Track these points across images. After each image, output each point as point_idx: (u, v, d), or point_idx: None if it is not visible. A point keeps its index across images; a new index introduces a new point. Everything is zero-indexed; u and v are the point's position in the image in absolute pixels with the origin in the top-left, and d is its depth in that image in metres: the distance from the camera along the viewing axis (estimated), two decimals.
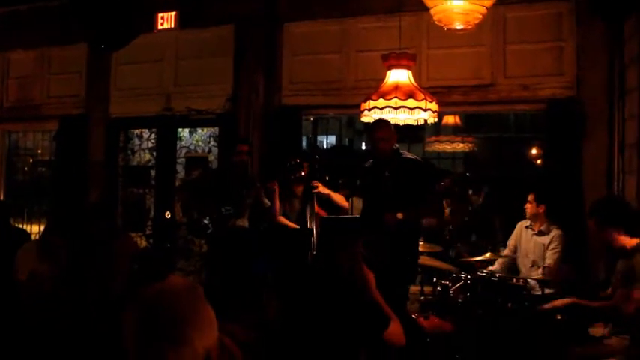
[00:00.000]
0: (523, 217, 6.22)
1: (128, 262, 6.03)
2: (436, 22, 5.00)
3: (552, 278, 5.61)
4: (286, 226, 6.35)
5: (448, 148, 10.30)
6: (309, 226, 6.04)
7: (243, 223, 6.43)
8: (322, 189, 6.24)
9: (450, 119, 10.03)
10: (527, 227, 6.10)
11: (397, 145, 5.65)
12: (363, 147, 17.32)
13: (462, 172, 14.02)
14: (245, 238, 6.39)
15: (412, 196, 5.33)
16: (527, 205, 6.04)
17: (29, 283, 5.47)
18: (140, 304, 1.73)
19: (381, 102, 5.54)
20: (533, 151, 12.06)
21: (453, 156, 11.03)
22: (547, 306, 4.73)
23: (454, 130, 10.58)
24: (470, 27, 4.83)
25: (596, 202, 4.62)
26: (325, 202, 6.32)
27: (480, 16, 4.76)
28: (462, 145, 10.32)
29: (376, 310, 3.20)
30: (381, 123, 5.56)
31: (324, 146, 13.56)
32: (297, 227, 6.29)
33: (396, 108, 5.48)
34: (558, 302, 4.66)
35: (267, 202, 6.45)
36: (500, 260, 6.15)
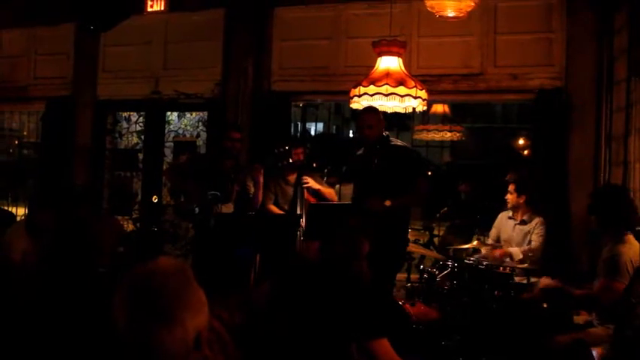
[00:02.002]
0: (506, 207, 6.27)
1: (113, 244, 6.05)
2: (428, 9, 5.01)
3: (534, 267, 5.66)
4: (272, 212, 6.35)
5: (436, 136, 10.34)
6: (298, 211, 6.04)
7: (229, 208, 6.41)
8: (312, 183, 6.24)
9: (438, 108, 10.06)
10: (509, 218, 6.13)
11: (387, 133, 5.67)
12: (351, 134, 17.35)
13: (447, 162, 14.10)
14: (229, 223, 6.36)
15: (400, 183, 5.36)
16: (508, 196, 6.08)
17: (22, 263, 5.46)
18: (131, 284, 1.74)
19: (372, 88, 5.53)
20: (520, 142, 12.11)
21: (441, 144, 11.08)
22: (533, 281, 4.75)
23: (442, 119, 10.62)
24: (462, 15, 4.84)
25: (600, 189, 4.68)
26: (314, 192, 6.32)
27: (473, 5, 4.78)
28: (449, 134, 10.35)
29: (374, 311, 2.90)
30: (368, 110, 5.58)
31: (312, 133, 13.57)
32: (282, 213, 6.30)
33: (386, 95, 5.47)
34: (544, 281, 4.70)
35: (252, 189, 6.43)
36: (487, 248, 6.18)
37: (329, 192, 6.44)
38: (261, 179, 6.38)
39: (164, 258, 1.81)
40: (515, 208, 6.08)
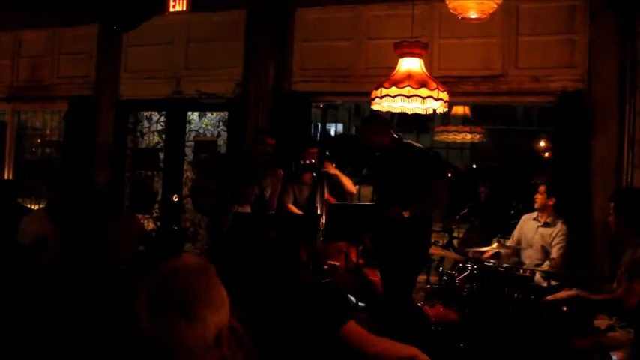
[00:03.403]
0: (526, 209, 6.23)
1: (133, 243, 6.12)
2: (451, 11, 4.99)
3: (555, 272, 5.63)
4: (292, 213, 6.35)
5: (457, 138, 10.29)
6: (318, 212, 6.04)
7: (245, 209, 6.43)
8: (331, 169, 6.24)
9: (459, 109, 10.01)
10: (534, 219, 6.10)
11: (398, 135, 5.73)
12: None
13: (467, 164, 14.03)
14: (248, 223, 6.37)
15: (417, 186, 5.37)
16: (538, 196, 6.05)
17: (34, 247, 5.55)
18: (154, 280, 1.75)
19: (394, 90, 5.52)
20: (541, 144, 12.03)
21: (461, 146, 11.03)
22: (550, 298, 4.75)
23: (462, 121, 10.57)
24: (484, 17, 4.82)
25: (622, 190, 4.65)
26: (333, 184, 6.31)
27: (495, 6, 4.75)
28: (470, 135, 10.30)
29: (325, 303, 2.69)
30: (365, 122, 5.72)
31: (332, 134, 13.56)
32: (301, 213, 6.30)
33: (408, 96, 5.46)
34: (562, 294, 4.69)
35: (268, 192, 6.44)
36: (503, 252, 6.14)
37: (347, 180, 6.42)
38: (279, 186, 6.40)
39: (187, 255, 1.83)
40: (542, 210, 6.05)
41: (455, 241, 8.16)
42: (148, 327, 1.71)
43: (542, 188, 6.05)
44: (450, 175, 8.79)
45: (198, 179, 7.36)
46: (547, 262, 5.84)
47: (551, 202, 5.98)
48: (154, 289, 1.73)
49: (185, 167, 8.72)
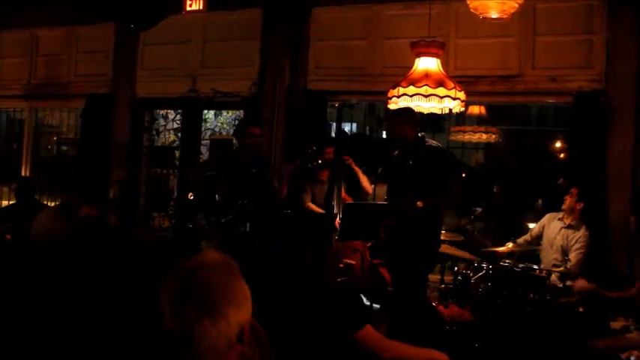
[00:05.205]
0: (544, 209, 6.19)
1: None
2: (472, 11, 4.98)
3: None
4: (312, 211, 6.36)
5: (473, 138, 10.25)
6: (335, 210, 6.05)
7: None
8: (352, 163, 6.25)
9: (475, 109, 9.98)
10: (559, 219, 6.03)
11: (422, 133, 5.69)
12: (384, 135, 17.30)
13: (481, 164, 13.99)
14: (262, 220, 6.38)
15: (434, 184, 5.36)
16: (567, 197, 5.96)
17: (43, 242, 5.57)
18: (178, 277, 1.77)
19: (411, 89, 5.53)
20: (557, 145, 11.96)
21: (477, 146, 11.00)
22: (569, 284, 4.71)
23: (478, 121, 10.54)
24: (506, 16, 4.81)
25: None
26: (350, 182, 6.32)
27: (517, 6, 4.75)
28: (485, 135, 10.26)
29: (343, 307, 2.67)
30: (396, 113, 5.67)
31: (347, 133, 13.55)
32: (323, 212, 6.30)
33: (426, 96, 5.47)
34: (580, 284, 4.66)
35: (276, 183, 6.45)
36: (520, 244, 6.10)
37: (365, 179, 6.43)
38: (286, 180, 6.41)
39: (211, 252, 1.83)
40: (569, 212, 5.98)
41: (469, 241, 8.15)
42: (171, 324, 1.73)
43: (574, 190, 5.95)
44: (464, 174, 8.74)
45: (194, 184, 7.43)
46: (563, 267, 5.80)
47: (579, 207, 5.90)
48: (178, 286, 1.75)
49: None
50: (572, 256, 5.77)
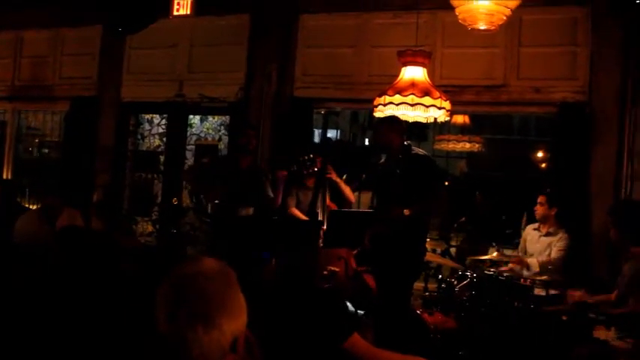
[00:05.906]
0: (531, 219, 6.25)
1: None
2: (460, 22, 5.02)
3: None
4: (297, 218, 6.37)
5: (456, 147, 10.33)
6: (319, 217, 6.05)
7: (247, 211, 6.44)
8: (334, 175, 6.28)
9: (459, 118, 10.06)
10: (534, 229, 6.12)
11: (409, 142, 5.72)
12: (367, 142, 17.37)
13: (465, 172, 14.08)
14: (249, 226, 6.39)
15: (420, 192, 5.40)
16: (538, 207, 6.06)
17: (26, 244, 5.53)
18: (173, 283, 1.76)
19: (398, 98, 5.56)
20: (539, 154, 12.06)
21: (461, 155, 11.08)
22: (553, 293, 4.76)
23: (462, 130, 10.62)
24: (493, 28, 4.86)
25: (619, 203, 4.69)
26: (334, 190, 6.34)
27: (504, 17, 4.79)
28: (469, 144, 10.34)
29: (330, 315, 2.64)
30: (382, 121, 5.70)
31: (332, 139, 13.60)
32: (307, 219, 6.31)
33: (412, 105, 5.51)
34: (573, 294, 4.71)
35: (270, 193, 6.46)
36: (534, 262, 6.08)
37: (348, 189, 6.45)
38: (282, 187, 6.43)
39: (208, 260, 1.82)
40: (544, 220, 6.05)
41: (452, 250, 8.20)
42: (164, 328, 1.72)
43: (542, 199, 6.05)
44: (447, 182, 8.79)
45: (193, 185, 7.44)
46: (541, 258, 5.85)
47: (553, 212, 5.99)
48: (174, 291, 1.74)
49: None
50: (554, 252, 5.84)
